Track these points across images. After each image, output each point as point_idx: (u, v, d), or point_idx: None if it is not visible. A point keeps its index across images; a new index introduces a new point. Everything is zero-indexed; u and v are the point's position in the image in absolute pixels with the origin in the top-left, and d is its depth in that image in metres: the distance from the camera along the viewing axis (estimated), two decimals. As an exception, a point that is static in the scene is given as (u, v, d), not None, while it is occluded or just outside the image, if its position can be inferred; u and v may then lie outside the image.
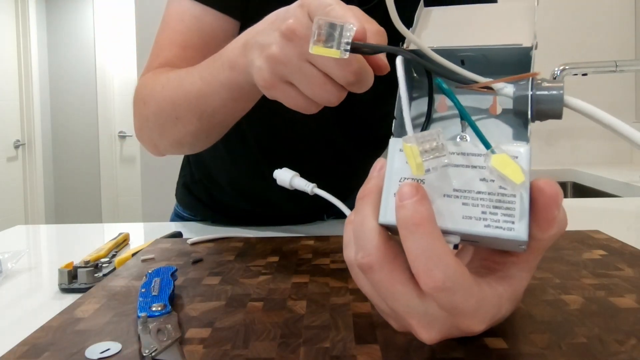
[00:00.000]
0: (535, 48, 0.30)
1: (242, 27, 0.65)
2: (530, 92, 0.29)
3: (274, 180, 0.52)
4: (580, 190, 1.72)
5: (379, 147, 0.87)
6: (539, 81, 0.30)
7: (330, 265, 0.52)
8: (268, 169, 0.78)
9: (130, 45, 3.68)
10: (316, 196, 0.49)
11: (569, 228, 0.70)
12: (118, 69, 3.98)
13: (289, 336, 0.36)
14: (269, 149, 0.76)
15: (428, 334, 0.29)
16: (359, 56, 0.35)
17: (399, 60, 0.31)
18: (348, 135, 0.77)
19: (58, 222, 3.93)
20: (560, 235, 0.29)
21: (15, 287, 0.53)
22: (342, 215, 0.52)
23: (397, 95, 0.32)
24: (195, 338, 0.36)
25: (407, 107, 0.30)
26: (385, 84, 0.77)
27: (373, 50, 0.34)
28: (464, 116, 0.28)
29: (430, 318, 0.29)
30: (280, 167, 0.52)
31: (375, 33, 0.36)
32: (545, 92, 0.29)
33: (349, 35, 0.31)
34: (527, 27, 0.32)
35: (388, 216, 0.29)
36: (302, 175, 0.50)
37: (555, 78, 1.49)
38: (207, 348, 0.34)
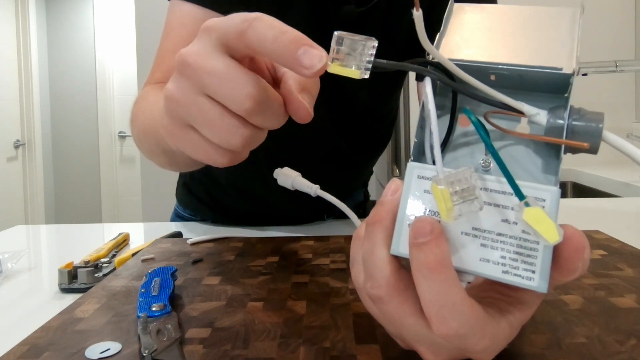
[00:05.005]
0: (577, 74, 0.27)
1: None
2: (565, 122, 0.26)
3: (275, 182, 0.52)
4: (580, 190, 1.72)
5: (378, 149, 0.87)
6: (577, 110, 0.27)
7: (330, 265, 0.52)
8: (268, 170, 0.78)
9: (130, 45, 3.68)
10: (317, 197, 0.48)
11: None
12: (118, 69, 3.98)
13: (289, 336, 0.36)
14: (269, 150, 0.76)
15: (436, 359, 0.29)
16: (259, 80, 0.30)
17: (427, 81, 0.28)
18: (347, 136, 0.77)
19: (58, 222, 3.94)
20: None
21: (15, 287, 0.53)
22: (343, 216, 0.52)
23: (420, 115, 0.29)
24: (195, 338, 0.36)
25: (438, 144, 0.27)
26: (385, 84, 0.78)
27: (395, 66, 0.29)
28: (498, 163, 0.25)
29: (438, 347, 0.28)
30: (280, 168, 0.51)
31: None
32: (582, 124, 0.26)
33: (370, 54, 0.28)
34: (569, 44, 0.29)
35: (401, 248, 0.27)
36: (302, 177, 0.49)
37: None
38: (207, 348, 0.34)
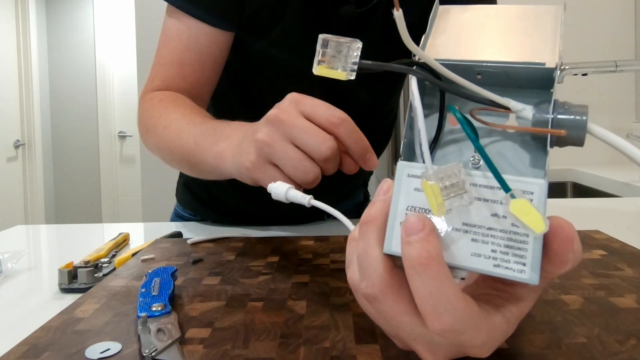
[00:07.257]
0: (559, 69, 0.28)
1: (235, 37, 0.68)
2: (550, 116, 0.27)
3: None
4: (580, 190, 1.72)
5: (378, 149, 0.87)
6: (562, 104, 0.28)
7: (330, 265, 0.52)
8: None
9: (130, 45, 3.68)
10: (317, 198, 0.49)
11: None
12: (118, 69, 3.98)
13: (289, 336, 0.36)
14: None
15: (434, 358, 0.29)
16: (333, 138, 0.42)
17: (413, 81, 0.29)
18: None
19: (58, 222, 3.94)
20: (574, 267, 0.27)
21: (15, 287, 0.53)
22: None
23: (407, 114, 0.30)
24: (195, 338, 0.36)
25: (425, 140, 0.27)
26: (384, 83, 0.78)
27: (380, 67, 0.30)
28: (483, 157, 0.26)
29: (435, 345, 0.28)
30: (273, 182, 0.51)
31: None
32: (567, 117, 0.27)
33: (355, 55, 0.28)
34: (552, 40, 0.30)
35: (393, 246, 0.27)
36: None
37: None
38: (207, 348, 0.34)
